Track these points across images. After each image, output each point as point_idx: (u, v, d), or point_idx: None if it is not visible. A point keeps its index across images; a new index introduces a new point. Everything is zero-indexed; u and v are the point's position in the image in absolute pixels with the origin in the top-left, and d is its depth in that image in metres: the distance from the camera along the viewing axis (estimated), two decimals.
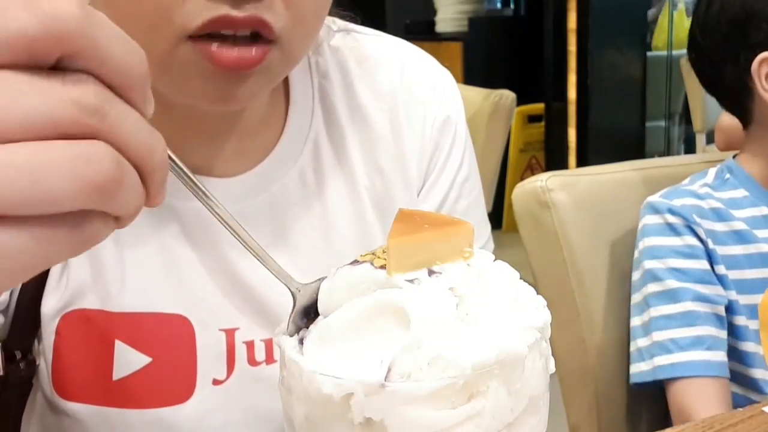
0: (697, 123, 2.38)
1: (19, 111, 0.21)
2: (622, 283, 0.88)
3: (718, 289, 0.80)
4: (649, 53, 2.39)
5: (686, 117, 2.63)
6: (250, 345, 0.54)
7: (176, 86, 0.46)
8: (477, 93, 1.63)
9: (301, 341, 0.34)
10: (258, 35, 0.43)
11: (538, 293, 0.36)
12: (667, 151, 2.83)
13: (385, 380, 0.30)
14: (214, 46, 0.42)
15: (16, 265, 0.22)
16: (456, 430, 0.31)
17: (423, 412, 0.30)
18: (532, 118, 2.66)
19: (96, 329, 0.51)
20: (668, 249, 0.82)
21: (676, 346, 0.79)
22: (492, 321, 0.32)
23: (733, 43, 0.83)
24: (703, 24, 0.87)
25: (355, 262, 0.35)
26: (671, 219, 0.82)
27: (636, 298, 0.84)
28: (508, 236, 0.72)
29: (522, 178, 0.99)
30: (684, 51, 1.13)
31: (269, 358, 0.54)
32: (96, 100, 0.23)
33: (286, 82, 0.57)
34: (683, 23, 2.69)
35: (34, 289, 0.51)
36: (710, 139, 2.39)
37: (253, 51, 0.43)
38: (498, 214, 2.36)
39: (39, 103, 0.22)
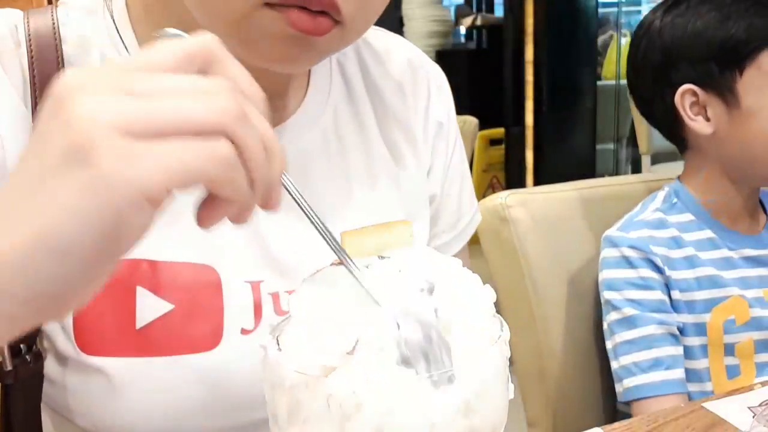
0: (643, 146, 2.44)
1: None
2: (574, 290, 0.90)
3: (672, 316, 0.83)
4: (599, 82, 2.45)
5: (633, 140, 2.69)
6: (275, 296, 0.52)
7: (247, 46, 0.45)
8: None
9: (277, 339, 0.35)
10: (325, 13, 0.44)
11: (498, 300, 0.37)
12: (616, 171, 2.89)
13: (353, 354, 0.31)
14: (294, 12, 0.43)
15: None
16: (421, 395, 0.31)
17: (390, 380, 0.31)
18: (494, 142, 2.71)
19: (117, 278, 0.47)
20: (624, 281, 0.84)
21: (638, 368, 0.82)
22: (442, 292, 0.34)
23: (659, 83, 0.87)
24: (634, 68, 0.91)
25: (317, 271, 0.37)
26: (628, 252, 0.84)
27: (605, 325, 0.86)
28: (472, 248, 0.74)
29: (484, 196, 1.01)
30: None
31: None
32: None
33: None
34: None
35: None
36: (654, 160, 2.45)
37: (324, 21, 0.45)
38: None
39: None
